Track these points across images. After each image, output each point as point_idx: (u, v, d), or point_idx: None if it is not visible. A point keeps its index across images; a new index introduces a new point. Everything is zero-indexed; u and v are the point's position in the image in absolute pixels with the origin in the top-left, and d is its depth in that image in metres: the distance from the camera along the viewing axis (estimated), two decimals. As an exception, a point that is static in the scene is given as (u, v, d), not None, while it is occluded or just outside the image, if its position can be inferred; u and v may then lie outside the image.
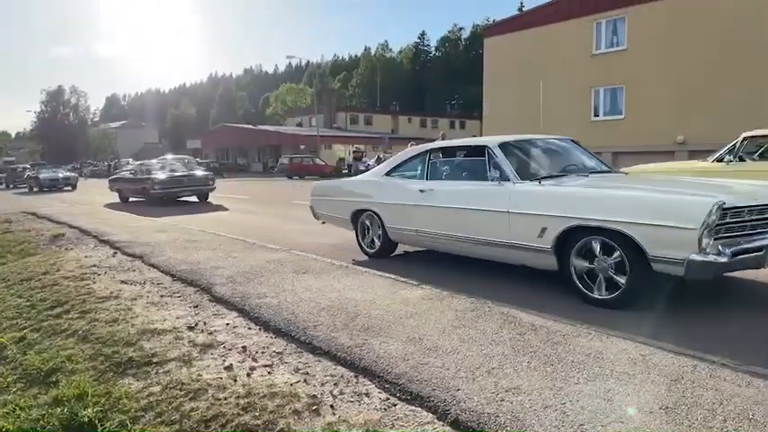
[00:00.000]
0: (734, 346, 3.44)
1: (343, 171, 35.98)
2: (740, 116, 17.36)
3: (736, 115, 17.52)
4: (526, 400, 2.63)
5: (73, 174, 30.91)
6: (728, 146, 8.37)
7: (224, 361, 3.34)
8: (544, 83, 22.72)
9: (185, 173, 17.05)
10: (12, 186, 34.01)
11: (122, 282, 5.47)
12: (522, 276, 5.43)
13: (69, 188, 27.68)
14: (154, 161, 18.36)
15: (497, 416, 2.49)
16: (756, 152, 8.26)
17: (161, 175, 16.31)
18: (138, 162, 19.84)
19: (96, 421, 2.73)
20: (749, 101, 17.23)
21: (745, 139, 8.25)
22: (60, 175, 28.61)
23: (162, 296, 4.89)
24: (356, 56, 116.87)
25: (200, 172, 17.77)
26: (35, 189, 27.54)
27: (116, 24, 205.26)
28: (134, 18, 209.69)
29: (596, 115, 21.97)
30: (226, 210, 14.73)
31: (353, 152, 39.08)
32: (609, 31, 21.36)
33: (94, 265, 6.27)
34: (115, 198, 18.34)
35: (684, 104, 18.89)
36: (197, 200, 17.05)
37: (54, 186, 27.17)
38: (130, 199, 17.63)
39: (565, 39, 22.27)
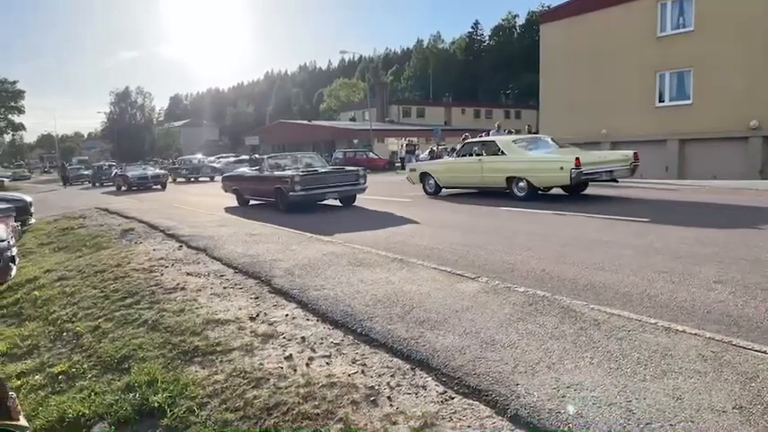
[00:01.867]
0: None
1: (396, 164, 36.00)
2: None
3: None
4: (589, 396, 2.56)
5: (163, 171, 28.85)
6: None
7: (284, 351, 3.42)
8: (604, 69, 21.86)
9: (328, 169, 13.01)
10: (98, 185, 33.42)
11: (188, 274, 5.70)
12: (575, 266, 5.28)
13: (159, 187, 25.87)
14: (266, 156, 15.18)
15: (559, 412, 2.43)
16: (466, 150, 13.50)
17: (300, 173, 11.69)
18: (265, 156, 15.46)
19: (166, 407, 2.87)
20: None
21: (464, 140, 13.83)
22: (149, 173, 27.00)
23: (224, 287, 5.06)
24: (408, 48, 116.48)
25: (348, 168, 13.88)
26: (123, 188, 26.15)
27: (177, 27, 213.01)
28: (193, 21, 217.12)
29: (661, 101, 20.92)
30: (413, 222, 9.28)
31: (406, 145, 39.01)
32: (675, 11, 20.24)
33: (162, 258, 6.57)
34: (227, 201, 14.71)
35: (757, 87, 17.70)
36: (339, 203, 12.50)
37: (143, 185, 25.48)
38: (251, 202, 13.93)
39: (627, 22, 21.30)
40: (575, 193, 11.79)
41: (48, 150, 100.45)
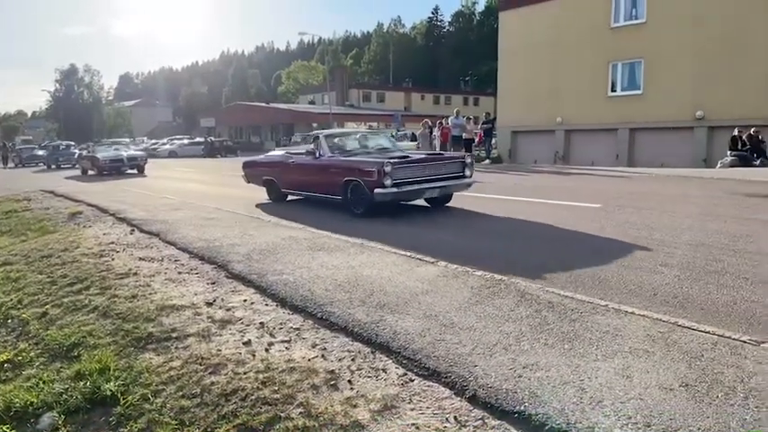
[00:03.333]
0: (752, 321, 3.40)
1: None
2: (762, 90, 16.95)
3: (757, 90, 17.10)
4: (544, 376, 2.63)
5: (140, 152, 23.92)
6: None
7: (242, 336, 3.37)
8: (560, 57, 22.28)
9: (422, 155, 9.73)
10: (53, 167, 29.28)
11: (140, 259, 5.53)
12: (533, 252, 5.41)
13: (135, 171, 21.46)
14: (323, 132, 10.05)
15: (515, 392, 2.49)
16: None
17: (392, 160, 8.05)
18: (321, 132, 9.85)
19: (119, 394, 2.79)
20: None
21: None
22: (124, 155, 22.04)
23: (179, 273, 4.94)
24: (368, 32, 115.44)
25: (449, 154, 11.67)
26: (91, 172, 21.66)
27: (128, 2, 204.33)
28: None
29: (613, 90, 21.52)
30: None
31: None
32: (628, 3, 20.78)
33: (113, 243, 6.35)
34: (251, 192, 11.28)
35: (704, 79, 18.42)
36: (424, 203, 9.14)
37: (116, 169, 20.98)
38: (288, 198, 10.39)
39: (582, 12, 21.73)
40: None
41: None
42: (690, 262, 4.94)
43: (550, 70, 22.65)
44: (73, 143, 34.09)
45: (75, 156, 28.27)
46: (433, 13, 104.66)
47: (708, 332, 3.11)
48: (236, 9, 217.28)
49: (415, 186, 8.05)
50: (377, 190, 7.71)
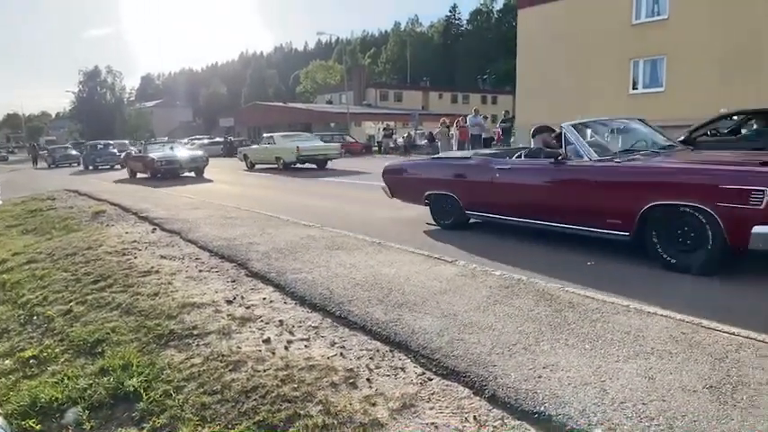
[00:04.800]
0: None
1: (374, 149, 35.87)
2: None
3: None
4: (564, 377, 2.61)
5: (200, 153, 20.48)
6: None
7: (262, 334, 3.40)
8: (581, 55, 22.02)
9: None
10: (91, 168, 27.12)
11: (162, 257, 5.61)
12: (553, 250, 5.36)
13: (193, 174, 18.71)
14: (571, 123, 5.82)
15: (535, 392, 2.48)
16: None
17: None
18: (583, 120, 5.88)
19: (141, 390, 2.83)
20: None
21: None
22: (181, 156, 18.92)
23: (200, 271, 5.00)
24: (386, 31, 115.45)
25: None
26: (144, 174, 18.90)
27: (149, 5, 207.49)
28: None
29: (635, 88, 21.20)
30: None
31: (383, 129, 38.88)
32: (650, -1, 20.47)
33: (135, 241, 6.44)
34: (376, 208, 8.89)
35: (728, 76, 18.05)
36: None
37: (172, 171, 18.07)
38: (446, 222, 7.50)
39: (603, 8, 21.43)
40: (321, 167, 19.55)
41: (14, 130, 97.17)
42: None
43: (570, 68, 22.38)
44: (111, 142, 32.17)
45: (116, 155, 27.30)
46: (450, 12, 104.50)
47: (732, 333, 3.05)
48: (255, 10, 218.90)
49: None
50: (758, 229, 4.06)
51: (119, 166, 26.09)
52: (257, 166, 21.40)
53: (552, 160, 5.64)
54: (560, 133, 5.75)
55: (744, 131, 7.05)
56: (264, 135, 23.20)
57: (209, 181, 17.24)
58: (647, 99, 20.66)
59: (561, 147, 5.61)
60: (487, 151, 7.28)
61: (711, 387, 2.45)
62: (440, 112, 44.74)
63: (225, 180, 17.45)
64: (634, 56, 20.91)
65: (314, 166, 19.87)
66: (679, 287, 4.26)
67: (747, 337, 2.98)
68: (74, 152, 34.40)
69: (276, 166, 19.82)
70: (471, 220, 6.93)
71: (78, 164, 31.36)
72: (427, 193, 7.21)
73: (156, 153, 18.90)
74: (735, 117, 7.75)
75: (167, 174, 18.02)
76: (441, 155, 8.66)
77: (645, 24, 20.59)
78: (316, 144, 20.82)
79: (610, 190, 5.13)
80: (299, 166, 19.35)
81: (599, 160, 5.26)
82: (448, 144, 21.34)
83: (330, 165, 20.20)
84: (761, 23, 17.21)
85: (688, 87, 19.11)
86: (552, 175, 5.70)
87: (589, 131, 5.96)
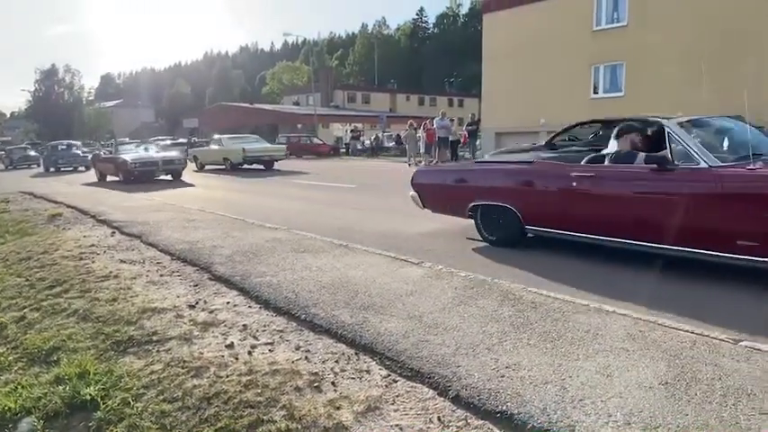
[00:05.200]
0: (731, 321, 3.45)
1: (341, 151, 35.77)
2: (744, 92, 17.23)
3: (739, 91, 17.36)
4: (526, 376, 2.65)
5: (177, 154, 19.33)
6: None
7: (225, 339, 3.34)
8: (543, 59, 22.47)
9: None
10: (53, 170, 25.78)
11: (121, 261, 5.46)
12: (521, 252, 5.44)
13: (170, 177, 17.51)
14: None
15: (498, 392, 2.51)
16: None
17: None
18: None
19: (99, 399, 2.75)
20: (754, 79, 17.08)
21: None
22: (158, 156, 17.81)
23: (161, 275, 4.89)
24: (353, 33, 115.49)
25: None
26: (117, 177, 17.36)
27: (111, 1, 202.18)
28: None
29: (596, 92, 21.76)
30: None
31: (351, 131, 38.83)
32: (609, 6, 21.03)
33: (93, 245, 6.26)
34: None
35: (686, 81, 18.69)
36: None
37: (147, 174, 16.73)
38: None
39: (565, 14, 21.94)
40: (268, 167, 21.10)
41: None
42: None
43: (534, 72, 22.82)
44: (76, 143, 30.47)
45: (80, 156, 26.08)
46: (417, 15, 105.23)
47: (687, 331, 3.15)
48: (220, 9, 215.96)
49: None
50: None
51: (83, 168, 25.10)
52: (206, 167, 22.40)
53: (655, 166, 4.60)
54: (647, 134, 5.05)
55: (591, 137, 7.57)
56: (213, 137, 24.06)
57: (190, 185, 15.88)
58: (607, 103, 21.22)
59: (647, 150, 4.91)
60: (551, 154, 6.21)
61: (667, 383, 2.52)
62: (407, 114, 44.99)
63: (208, 185, 16.16)
64: (595, 61, 21.47)
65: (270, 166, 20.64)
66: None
67: (701, 334, 3.09)
68: (33, 153, 32.68)
69: (224, 167, 20.99)
70: (528, 235, 5.75)
71: (38, 165, 29.76)
72: (473, 204, 6.08)
73: (129, 154, 17.38)
74: (590, 125, 8.57)
75: (142, 177, 16.55)
76: (488, 158, 6.98)
77: (605, 31, 21.17)
78: (261, 146, 21.97)
79: (744, 203, 4.12)
80: (283, 167, 20.33)
81: (721, 166, 4.26)
82: (415, 146, 21.46)
83: (299, 166, 20.08)
84: (718, 31, 17.90)
85: (647, 92, 19.72)
86: (656, 184, 4.62)
87: (695, 131, 4.90)
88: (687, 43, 18.54)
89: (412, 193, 6.93)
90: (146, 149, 18.55)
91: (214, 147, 22.24)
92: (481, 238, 6.14)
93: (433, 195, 6.80)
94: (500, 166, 6.22)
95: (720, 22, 17.86)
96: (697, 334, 3.10)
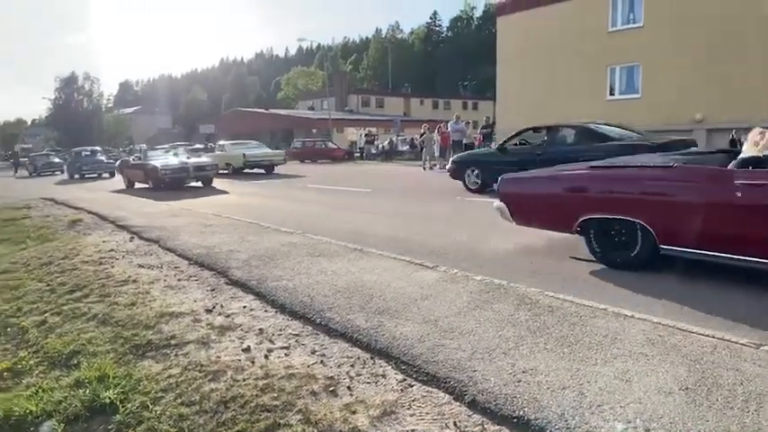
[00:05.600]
0: (753, 325, 3.39)
1: (356, 155, 35.87)
2: (759, 91, 16.97)
3: (755, 90, 17.11)
4: (543, 380, 2.62)
5: (208, 160, 18.34)
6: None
7: (242, 343, 3.37)
8: (559, 61, 22.33)
9: None
10: (77, 177, 25.50)
11: (140, 266, 5.53)
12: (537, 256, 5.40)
13: (200, 184, 16.75)
14: None
15: (515, 397, 2.49)
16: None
17: None
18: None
19: (118, 402, 2.78)
20: (770, 77, 16.81)
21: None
22: (190, 161, 16.97)
23: (179, 280, 4.94)
24: (367, 38, 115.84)
25: None
26: (146, 184, 16.86)
27: (128, 10, 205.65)
28: (145, 3, 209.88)
29: (612, 94, 21.56)
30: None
31: (365, 135, 38.93)
32: (625, 7, 20.84)
33: (112, 250, 6.35)
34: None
35: (702, 82, 18.47)
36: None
37: (179, 181, 16.16)
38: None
39: (580, 16, 21.78)
40: (268, 172, 22.19)
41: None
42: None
43: (549, 74, 22.68)
44: (99, 149, 29.92)
45: (104, 163, 26.02)
46: (431, 19, 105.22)
47: (707, 335, 3.10)
48: (236, 15, 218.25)
49: None
50: None
51: (107, 175, 25.22)
52: None
53: None
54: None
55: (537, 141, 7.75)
56: (218, 143, 25.19)
57: (224, 192, 15.22)
58: (624, 105, 21.02)
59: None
60: (693, 156, 5.25)
61: (687, 389, 2.48)
62: (421, 118, 45.00)
63: (240, 191, 15.52)
64: (611, 63, 21.27)
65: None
66: None
67: (722, 339, 3.04)
68: (57, 160, 33.15)
69: (227, 171, 21.75)
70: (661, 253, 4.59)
71: (62, 172, 29.86)
72: (585, 217, 4.97)
73: (158, 160, 16.68)
74: (540, 130, 9.08)
75: (173, 184, 15.91)
76: (606, 162, 5.52)
77: (621, 32, 20.97)
78: (262, 151, 23.23)
79: None
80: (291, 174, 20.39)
81: None
82: (431, 149, 21.46)
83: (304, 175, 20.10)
84: (732, 31, 17.64)
85: (664, 93, 19.50)
86: None
87: None
88: (703, 44, 18.29)
89: (497, 203, 5.80)
90: (175, 155, 17.85)
91: (218, 153, 23.13)
92: (595, 259, 5.06)
93: (527, 206, 5.68)
94: (625, 171, 5.02)
95: (736, 23, 17.59)
96: (718, 338, 3.05)
